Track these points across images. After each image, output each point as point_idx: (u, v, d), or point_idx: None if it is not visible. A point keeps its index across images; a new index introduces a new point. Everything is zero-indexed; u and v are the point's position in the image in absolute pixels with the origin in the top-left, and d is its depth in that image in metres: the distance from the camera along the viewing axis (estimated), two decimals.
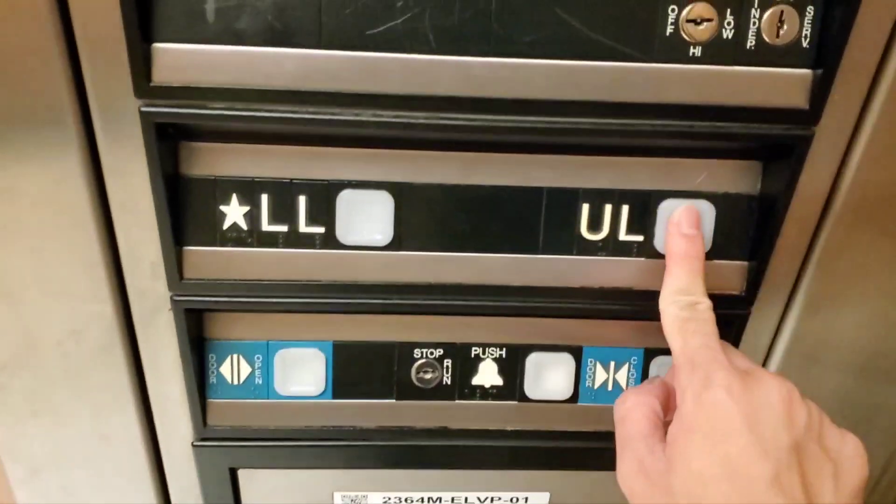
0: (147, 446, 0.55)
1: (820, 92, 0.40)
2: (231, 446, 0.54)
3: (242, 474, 0.56)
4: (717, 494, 0.35)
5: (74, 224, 0.45)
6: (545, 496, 0.59)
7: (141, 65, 0.39)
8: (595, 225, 0.47)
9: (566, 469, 0.58)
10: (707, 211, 0.47)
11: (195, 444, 0.54)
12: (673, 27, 0.39)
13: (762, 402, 0.36)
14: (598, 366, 0.53)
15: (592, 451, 0.56)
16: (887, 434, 0.60)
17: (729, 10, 0.39)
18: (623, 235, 0.47)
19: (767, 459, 0.35)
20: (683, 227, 0.44)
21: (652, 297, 0.49)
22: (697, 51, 0.40)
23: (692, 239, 0.43)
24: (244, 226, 0.46)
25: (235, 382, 0.52)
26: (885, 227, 0.47)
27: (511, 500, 0.59)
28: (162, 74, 0.40)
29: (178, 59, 0.40)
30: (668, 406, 0.43)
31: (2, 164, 0.42)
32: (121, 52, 0.39)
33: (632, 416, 0.41)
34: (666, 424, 0.40)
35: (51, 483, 0.56)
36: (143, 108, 0.41)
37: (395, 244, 0.47)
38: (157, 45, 0.39)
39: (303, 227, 0.46)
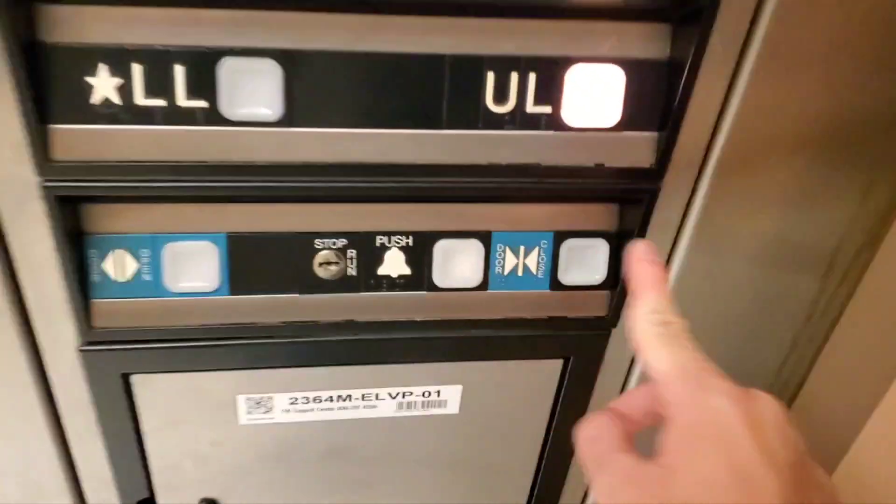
0: (28, 354, 0.51)
1: None
2: (121, 349, 0.51)
3: (136, 380, 0.53)
4: (725, 500, 0.33)
5: None
6: (457, 389, 0.58)
7: None
8: (501, 96, 0.44)
9: (478, 360, 0.56)
10: (617, 77, 0.44)
11: (81, 349, 0.50)
12: None
13: (763, 414, 0.35)
14: (508, 251, 0.52)
15: (504, 339, 0.55)
16: (791, 319, 0.60)
17: None
18: (531, 107, 0.45)
19: (773, 471, 0.34)
20: (647, 254, 0.43)
21: (561, 172, 0.47)
22: None
23: (659, 264, 0.42)
24: (117, 100, 0.42)
25: (121, 280, 0.48)
26: (800, 84, 0.46)
27: (423, 394, 0.58)
28: None
29: None
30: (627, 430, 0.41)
31: None
32: None
33: (606, 434, 0.40)
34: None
35: None
36: None
37: (287, 120, 0.43)
38: None
39: (182, 101, 0.42)
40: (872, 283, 0.57)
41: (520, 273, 0.52)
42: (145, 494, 0.60)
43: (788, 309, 0.59)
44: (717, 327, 0.58)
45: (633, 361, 0.59)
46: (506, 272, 0.52)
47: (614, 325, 0.55)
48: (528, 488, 0.67)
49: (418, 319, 0.53)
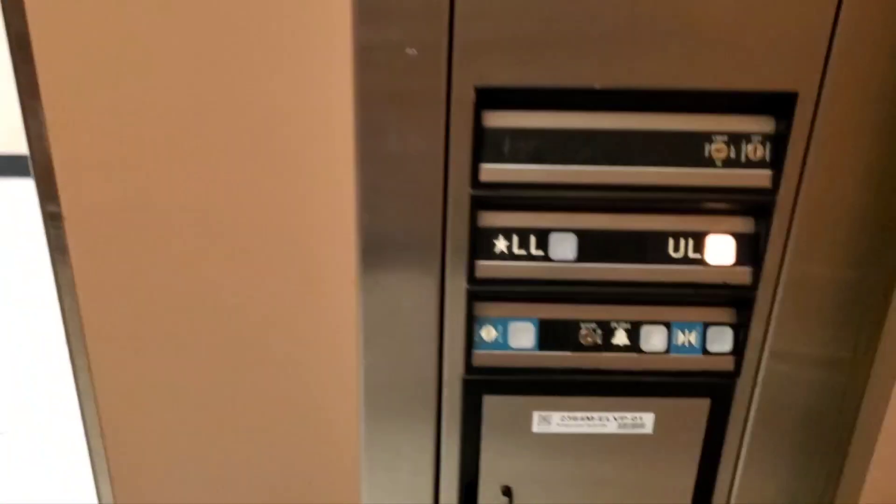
0: (436, 383, 1.02)
1: (776, 179, 0.90)
2: (482, 378, 1.01)
3: (486, 399, 1.03)
4: None
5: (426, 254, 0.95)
6: (651, 416, 1.04)
7: (473, 175, 0.91)
8: (676, 248, 0.96)
9: (663, 396, 1.03)
10: (731, 242, 0.96)
11: (464, 377, 1.01)
12: (708, 152, 0.90)
13: None
14: (680, 332, 1.00)
15: (678, 383, 1.02)
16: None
17: (732, 145, 0.90)
18: (690, 254, 0.96)
19: None
20: None
21: (706, 287, 0.97)
22: (719, 161, 0.90)
23: None
24: (504, 250, 0.96)
25: (488, 340, 1.00)
26: (818, 254, 0.96)
27: (632, 418, 1.04)
28: (484, 177, 0.92)
29: (490, 172, 0.92)
30: None
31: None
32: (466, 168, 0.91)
33: None
34: None
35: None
36: (472, 193, 0.92)
37: (577, 258, 0.96)
38: (484, 164, 0.91)
39: (533, 251, 0.96)
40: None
41: (686, 345, 1.01)
42: (472, 478, 1.08)
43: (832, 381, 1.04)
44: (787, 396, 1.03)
45: (750, 402, 1.04)
46: (679, 344, 1.01)
47: (738, 376, 1.02)
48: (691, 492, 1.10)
49: (633, 369, 1.01)
